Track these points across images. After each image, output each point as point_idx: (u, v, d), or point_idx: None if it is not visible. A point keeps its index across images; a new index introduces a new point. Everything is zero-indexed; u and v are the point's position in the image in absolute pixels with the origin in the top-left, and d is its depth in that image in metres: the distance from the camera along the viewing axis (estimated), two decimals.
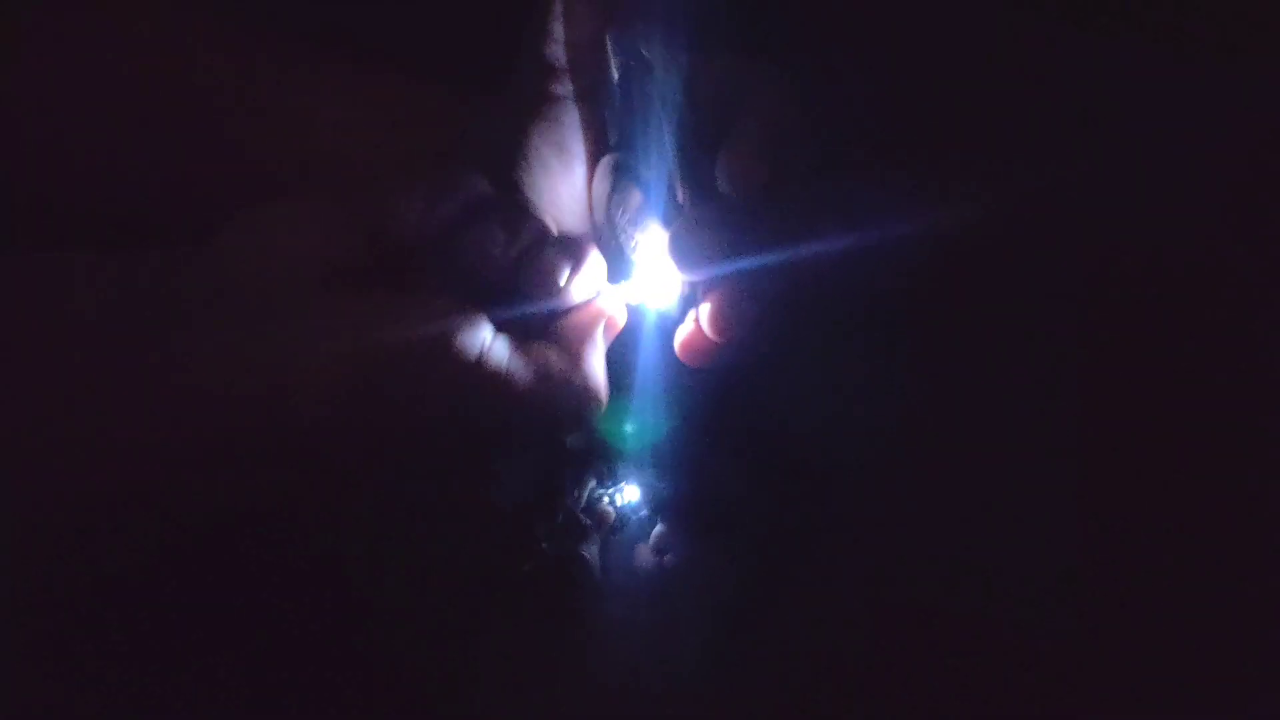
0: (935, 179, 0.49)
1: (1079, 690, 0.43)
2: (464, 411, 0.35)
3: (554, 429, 0.45)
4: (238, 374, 0.33)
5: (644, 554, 0.46)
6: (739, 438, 0.47)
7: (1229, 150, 0.50)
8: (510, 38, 0.39)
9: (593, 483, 0.46)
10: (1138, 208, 0.49)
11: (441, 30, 0.51)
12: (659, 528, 0.46)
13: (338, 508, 0.43)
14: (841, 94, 0.45)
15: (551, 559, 0.45)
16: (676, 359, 0.39)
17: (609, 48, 0.38)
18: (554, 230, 0.38)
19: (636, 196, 0.38)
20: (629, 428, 0.45)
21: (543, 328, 0.38)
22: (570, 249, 0.37)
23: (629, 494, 0.46)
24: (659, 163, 0.37)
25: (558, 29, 0.38)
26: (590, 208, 0.40)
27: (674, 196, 0.38)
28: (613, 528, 0.46)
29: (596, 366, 0.37)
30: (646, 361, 0.41)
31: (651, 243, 0.38)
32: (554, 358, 0.37)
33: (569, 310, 0.38)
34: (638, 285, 0.39)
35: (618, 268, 0.39)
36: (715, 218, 0.37)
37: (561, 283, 0.37)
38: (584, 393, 0.37)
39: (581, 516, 0.45)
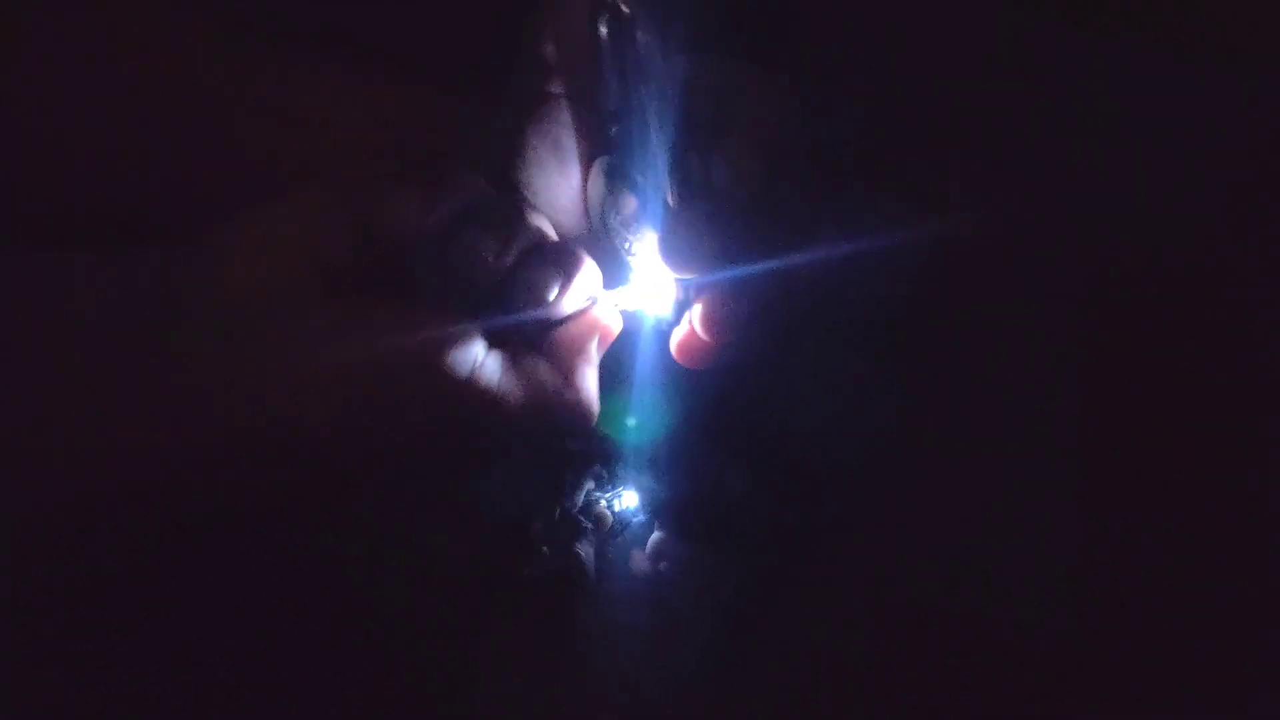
0: (934, 181, 0.49)
1: (1079, 690, 0.43)
2: (456, 425, 0.35)
3: (547, 440, 0.45)
4: (237, 374, 0.33)
5: (640, 560, 0.46)
6: (739, 438, 0.47)
7: (1229, 150, 0.50)
8: (507, 38, 0.39)
9: (591, 484, 0.46)
10: (1138, 208, 0.49)
11: (440, 31, 0.51)
12: (656, 534, 0.46)
13: (338, 508, 0.43)
14: (839, 95, 0.45)
15: (551, 560, 0.45)
16: (673, 361, 0.39)
17: (603, 48, 0.38)
18: (551, 233, 0.38)
19: (630, 199, 0.38)
20: (628, 430, 0.45)
21: (536, 338, 0.37)
22: (562, 260, 0.37)
23: (627, 499, 0.46)
24: (653, 165, 0.37)
25: (554, 29, 0.38)
26: (586, 209, 0.40)
27: (666, 198, 0.38)
28: (611, 532, 0.46)
29: (589, 382, 0.37)
30: (644, 364, 0.41)
31: (646, 245, 0.38)
32: (546, 375, 0.37)
33: (563, 321, 0.37)
34: (634, 289, 0.39)
35: (613, 270, 0.39)
36: (706, 218, 0.37)
37: (551, 297, 0.36)
38: (576, 410, 0.37)
39: (580, 519, 0.45)
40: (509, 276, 0.36)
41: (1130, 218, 0.49)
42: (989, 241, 0.48)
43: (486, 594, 0.44)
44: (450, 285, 0.36)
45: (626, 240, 0.39)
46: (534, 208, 0.39)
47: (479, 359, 0.35)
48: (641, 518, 0.46)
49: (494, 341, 0.36)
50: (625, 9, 0.35)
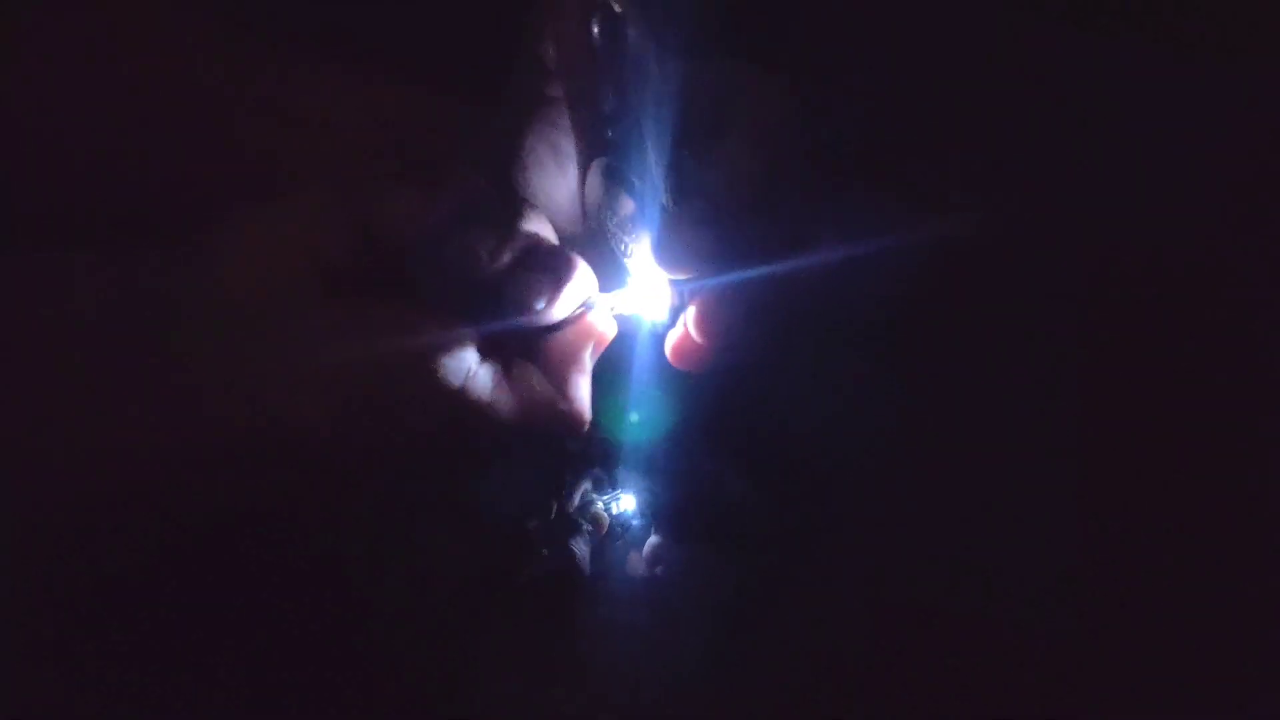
0: (934, 181, 0.49)
1: (1079, 690, 0.43)
2: (455, 426, 0.35)
3: (543, 444, 0.45)
4: (236, 375, 0.33)
5: (639, 562, 0.46)
6: (738, 439, 0.47)
7: (1229, 150, 0.50)
8: (507, 40, 0.39)
9: (589, 485, 0.46)
10: (1138, 208, 0.49)
11: (440, 31, 0.51)
12: (653, 538, 0.46)
13: (338, 508, 0.43)
14: (839, 95, 0.45)
15: (550, 560, 0.45)
16: (669, 363, 0.39)
17: (599, 49, 0.38)
18: (549, 235, 0.38)
19: (627, 201, 0.38)
20: (627, 431, 0.45)
21: (530, 343, 0.37)
22: (553, 267, 0.36)
23: (626, 502, 0.46)
24: (650, 167, 0.37)
25: (553, 30, 0.38)
26: (584, 211, 0.40)
27: (662, 199, 0.38)
28: (610, 534, 0.46)
29: (581, 391, 0.38)
30: (641, 366, 0.41)
31: (643, 247, 0.38)
32: (539, 384, 0.37)
33: (556, 327, 0.37)
34: (630, 291, 0.39)
35: (611, 272, 0.39)
36: (702, 219, 0.37)
37: (541, 305, 0.36)
38: (568, 419, 0.37)
39: (578, 520, 0.45)
40: (501, 281, 0.36)
41: (1130, 218, 0.49)
42: (989, 242, 0.48)
43: (486, 594, 0.44)
44: (448, 286, 0.36)
45: (624, 242, 0.39)
46: (533, 208, 0.38)
47: (471, 369, 0.35)
48: (640, 520, 0.46)
49: (489, 347, 0.36)
50: (618, 8, 0.35)
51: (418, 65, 0.44)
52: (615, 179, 0.39)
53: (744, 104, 0.37)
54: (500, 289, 0.36)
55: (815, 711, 0.44)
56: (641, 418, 0.44)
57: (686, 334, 0.38)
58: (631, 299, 0.39)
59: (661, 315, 0.39)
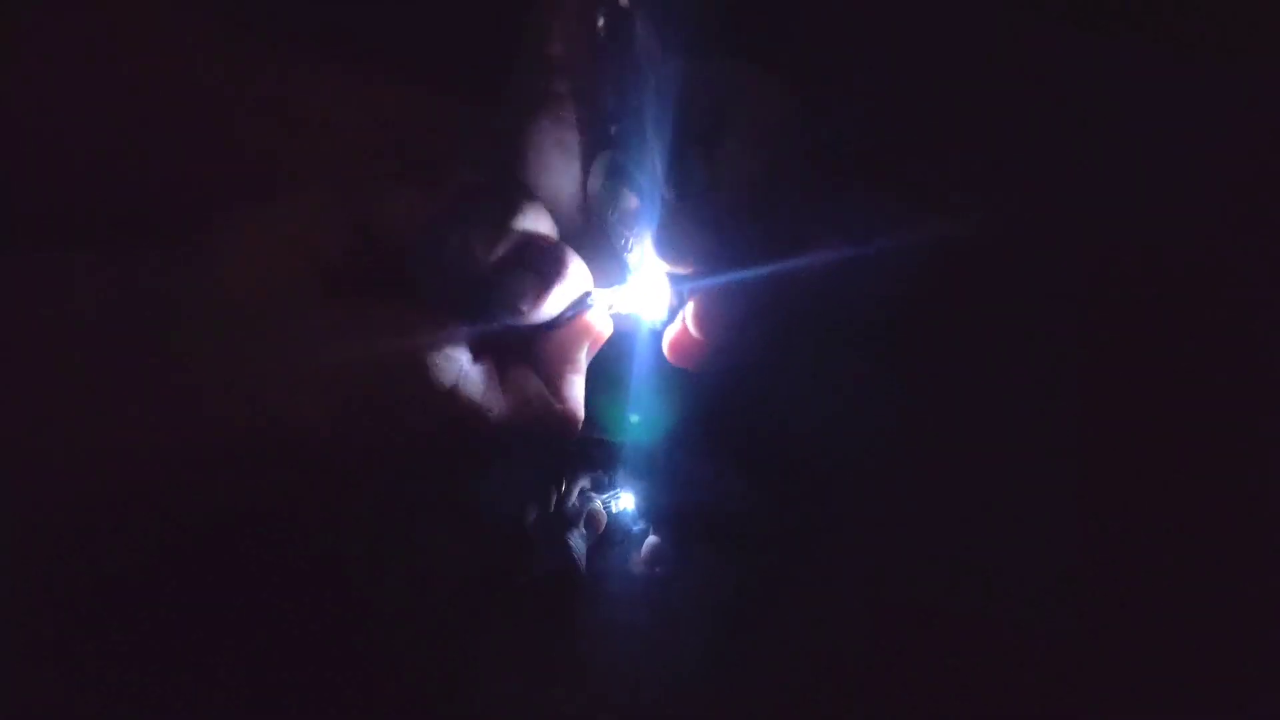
0: (934, 181, 0.49)
1: (1079, 690, 0.43)
2: (449, 431, 0.35)
3: (533, 448, 0.45)
4: (236, 375, 0.33)
5: (638, 563, 0.46)
6: (738, 438, 0.47)
7: (1229, 150, 0.50)
8: (507, 40, 0.39)
9: (586, 484, 0.46)
10: (1138, 208, 0.49)
11: (440, 31, 0.51)
12: (653, 538, 0.46)
13: (337, 508, 0.43)
14: (839, 95, 0.45)
15: (549, 560, 0.45)
16: (669, 363, 0.39)
17: (603, 45, 0.38)
18: (549, 230, 0.38)
19: (630, 197, 0.38)
20: (626, 430, 0.45)
21: (525, 343, 0.37)
22: (545, 266, 0.36)
23: (625, 501, 0.46)
24: (652, 163, 0.37)
25: (554, 27, 0.38)
26: (586, 207, 0.40)
27: (663, 195, 0.38)
28: (609, 534, 0.46)
29: (575, 392, 0.37)
30: (641, 366, 0.41)
31: (644, 242, 0.38)
32: (531, 386, 0.37)
33: (551, 326, 0.37)
34: (630, 289, 0.39)
35: (613, 269, 0.39)
36: (702, 214, 0.36)
37: (527, 305, 0.36)
38: (560, 421, 0.37)
39: (577, 520, 0.45)
40: (493, 280, 0.36)
41: (1130, 218, 0.49)
42: (989, 242, 0.48)
43: (486, 594, 0.44)
44: (448, 286, 0.36)
45: (626, 238, 0.39)
46: (536, 202, 0.38)
47: (463, 369, 0.35)
48: (640, 519, 0.46)
49: (483, 347, 0.36)
50: (624, 4, 0.35)
51: (418, 65, 0.44)
52: (618, 174, 0.39)
53: (744, 104, 0.37)
54: (491, 290, 0.36)
55: (815, 711, 0.44)
56: (641, 418, 0.44)
57: (685, 330, 0.38)
58: (631, 296, 0.39)
59: (661, 313, 0.39)
